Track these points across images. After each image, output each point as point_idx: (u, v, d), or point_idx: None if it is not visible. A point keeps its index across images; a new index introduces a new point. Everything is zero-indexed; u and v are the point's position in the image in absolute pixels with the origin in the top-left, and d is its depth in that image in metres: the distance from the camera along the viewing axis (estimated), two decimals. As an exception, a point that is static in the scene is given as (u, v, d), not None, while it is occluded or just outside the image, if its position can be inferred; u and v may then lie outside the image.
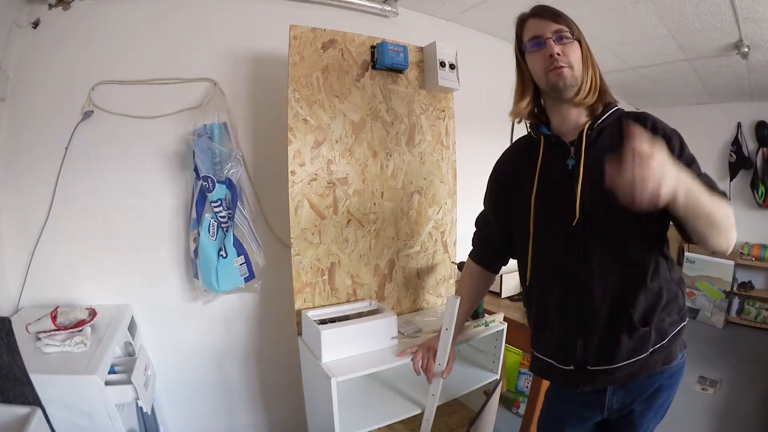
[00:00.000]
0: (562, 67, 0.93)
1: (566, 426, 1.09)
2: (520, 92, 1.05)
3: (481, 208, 1.24)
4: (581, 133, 0.95)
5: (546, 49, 0.94)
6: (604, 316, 0.93)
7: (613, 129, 0.95)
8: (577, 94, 0.95)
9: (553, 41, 0.93)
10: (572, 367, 0.99)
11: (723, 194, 0.86)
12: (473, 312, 1.54)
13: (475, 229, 1.26)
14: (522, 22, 1.01)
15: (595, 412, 1.03)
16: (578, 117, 0.98)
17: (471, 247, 1.28)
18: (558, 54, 0.93)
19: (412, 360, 1.22)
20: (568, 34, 0.94)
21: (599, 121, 0.95)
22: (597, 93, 0.96)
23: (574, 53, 0.94)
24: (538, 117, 1.06)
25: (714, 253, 0.81)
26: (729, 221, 0.82)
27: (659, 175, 0.67)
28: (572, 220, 0.93)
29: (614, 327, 0.93)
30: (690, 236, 0.85)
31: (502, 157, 1.18)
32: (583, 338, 0.96)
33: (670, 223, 0.92)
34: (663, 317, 0.94)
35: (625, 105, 1.07)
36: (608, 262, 0.92)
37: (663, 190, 0.68)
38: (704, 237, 0.82)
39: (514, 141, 1.17)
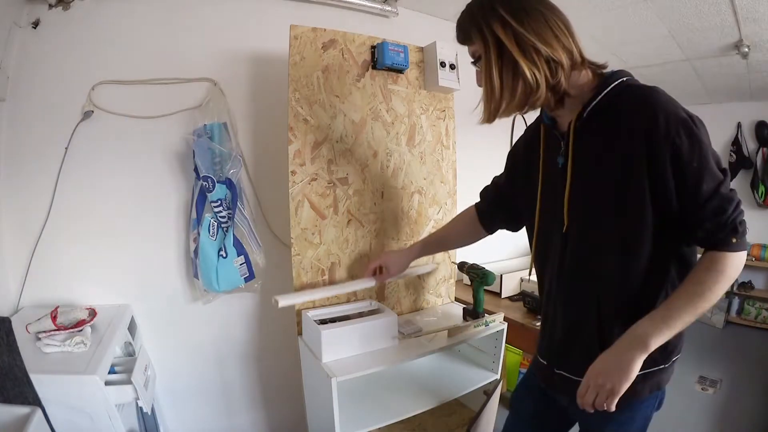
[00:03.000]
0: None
1: (532, 396, 1.08)
2: None
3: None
4: (570, 124, 0.83)
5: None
6: (575, 326, 0.90)
7: (608, 113, 0.78)
8: (524, 109, 0.83)
9: (475, 68, 0.84)
10: (546, 363, 0.99)
11: (739, 231, 0.72)
12: (474, 312, 1.54)
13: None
14: None
15: (561, 396, 1.00)
16: (566, 109, 0.85)
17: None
18: (480, 85, 0.83)
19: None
20: (478, 54, 0.81)
21: (590, 108, 0.80)
22: (540, 97, 0.78)
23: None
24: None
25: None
26: (724, 286, 0.71)
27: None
28: (562, 226, 0.87)
29: (584, 338, 0.87)
30: None
31: (519, 141, 1.09)
32: (555, 339, 0.95)
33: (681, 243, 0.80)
34: None
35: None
36: (587, 270, 0.85)
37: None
38: None
39: (535, 120, 1.03)
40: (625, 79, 0.80)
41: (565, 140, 0.85)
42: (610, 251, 0.81)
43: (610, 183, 0.78)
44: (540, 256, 1.00)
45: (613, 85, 0.79)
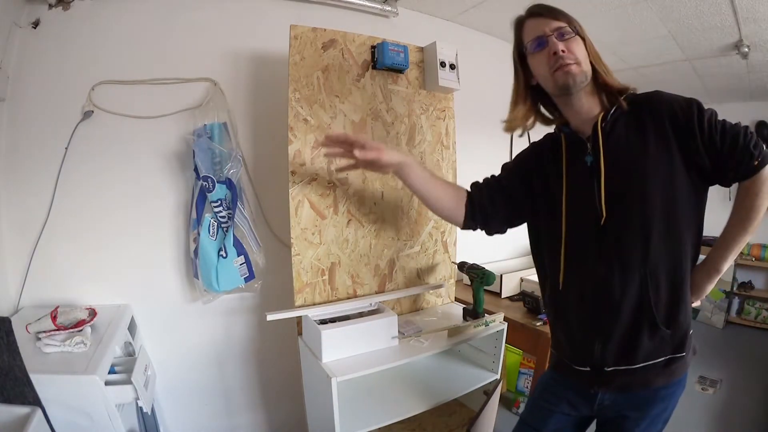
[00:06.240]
0: (569, 64, 0.89)
1: (553, 412, 1.08)
2: (514, 101, 1.02)
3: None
4: (595, 126, 0.92)
5: (549, 48, 0.90)
6: (625, 315, 0.91)
7: (628, 117, 0.92)
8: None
9: (555, 38, 0.90)
10: (588, 369, 0.98)
11: (755, 154, 0.85)
12: (473, 312, 1.54)
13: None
14: (520, 24, 0.98)
15: (585, 405, 1.01)
16: (591, 109, 0.95)
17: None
18: (563, 51, 0.89)
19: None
20: (569, 30, 0.90)
21: (612, 112, 0.92)
22: (607, 84, 0.93)
23: (579, 48, 0.90)
24: (553, 119, 1.03)
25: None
26: (754, 224, 0.88)
27: None
28: (599, 219, 0.91)
29: (635, 326, 0.91)
30: None
31: (526, 151, 1.13)
32: (601, 338, 0.94)
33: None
34: (682, 319, 0.92)
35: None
36: (631, 258, 0.89)
37: None
38: None
39: (543, 137, 1.11)
40: (630, 93, 0.94)
41: (592, 141, 0.94)
42: (653, 232, 0.88)
43: (648, 166, 0.88)
44: (569, 261, 0.99)
45: (625, 96, 0.93)
